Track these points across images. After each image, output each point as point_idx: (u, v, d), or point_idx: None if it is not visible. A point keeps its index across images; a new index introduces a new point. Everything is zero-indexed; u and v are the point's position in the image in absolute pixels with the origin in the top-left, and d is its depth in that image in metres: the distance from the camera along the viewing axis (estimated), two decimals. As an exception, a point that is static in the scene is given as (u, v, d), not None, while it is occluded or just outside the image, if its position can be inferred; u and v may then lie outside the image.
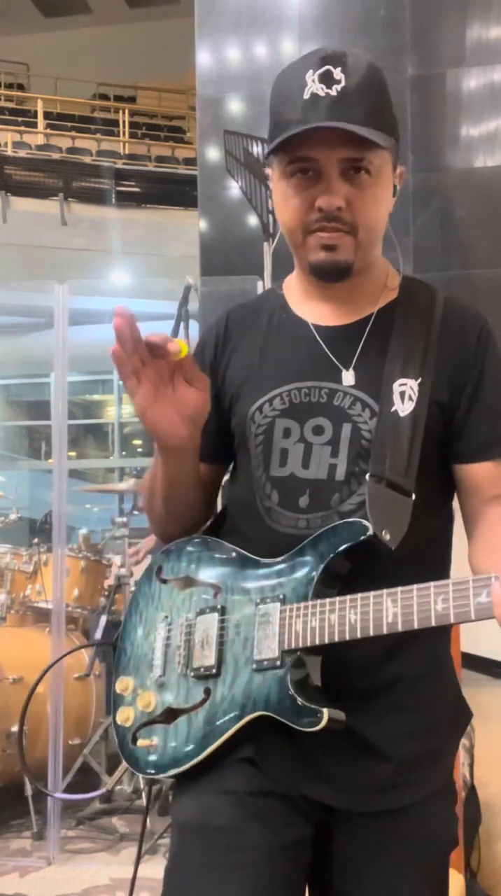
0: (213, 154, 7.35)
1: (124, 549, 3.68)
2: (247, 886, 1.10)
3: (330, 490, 1.19)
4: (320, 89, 1.12)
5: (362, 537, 1.12)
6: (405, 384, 1.19)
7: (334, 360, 1.23)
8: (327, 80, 1.12)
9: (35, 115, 13.56)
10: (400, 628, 1.03)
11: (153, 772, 1.20)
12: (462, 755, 2.59)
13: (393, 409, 1.19)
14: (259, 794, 1.15)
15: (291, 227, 1.20)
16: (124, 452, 13.60)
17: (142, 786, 3.21)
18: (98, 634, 3.41)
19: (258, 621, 1.16)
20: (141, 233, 10.30)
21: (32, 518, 6.52)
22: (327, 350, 1.24)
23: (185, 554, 1.28)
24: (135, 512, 3.96)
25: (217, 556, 1.26)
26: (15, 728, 3.22)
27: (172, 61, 13.35)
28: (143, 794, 3.18)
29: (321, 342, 1.24)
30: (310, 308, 1.28)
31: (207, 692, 1.17)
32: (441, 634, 1.25)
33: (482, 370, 1.22)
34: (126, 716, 1.25)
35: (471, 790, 2.72)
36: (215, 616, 1.20)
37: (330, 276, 1.21)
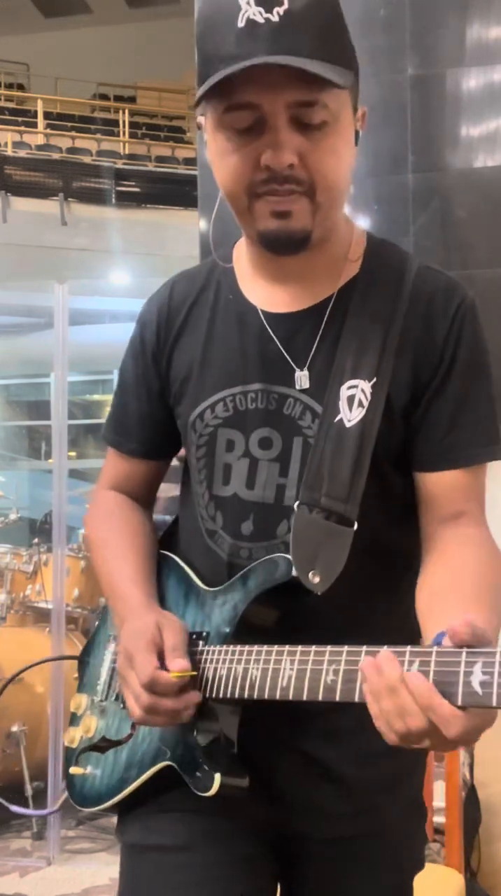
0: (213, 154, 7.33)
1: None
2: None
3: (277, 516, 1.03)
4: (258, 13, 0.87)
5: (285, 579, 0.97)
6: (355, 386, 0.99)
7: (286, 357, 1.03)
8: (266, 1, 0.87)
9: (35, 115, 13.55)
10: (290, 696, 0.89)
11: (80, 802, 1.14)
12: (462, 755, 2.59)
13: (338, 418, 0.99)
14: (205, 812, 1.03)
15: (232, 191, 0.97)
16: (124, 452, 13.56)
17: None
18: (98, 634, 3.39)
19: None
20: (141, 233, 10.29)
21: (32, 518, 6.51)
22: (279, 345, 1.04)
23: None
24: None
25: (170, 577, 1.14)
26: (15, 728, 3.22)
27: (172, 61, 13.35)
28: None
29: (272, 334, 1.04)
30: (261, 289, 1.07)
31: (133, 727, 1.09)
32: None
33: (452, 360, 1.01)
34: (71, 737, 1.19)
35: (471, 790, 2.71)
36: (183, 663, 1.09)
37: (283, 248, 0.99)
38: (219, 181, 0.99)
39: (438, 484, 1.02)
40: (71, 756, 1.17)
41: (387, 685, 0.78)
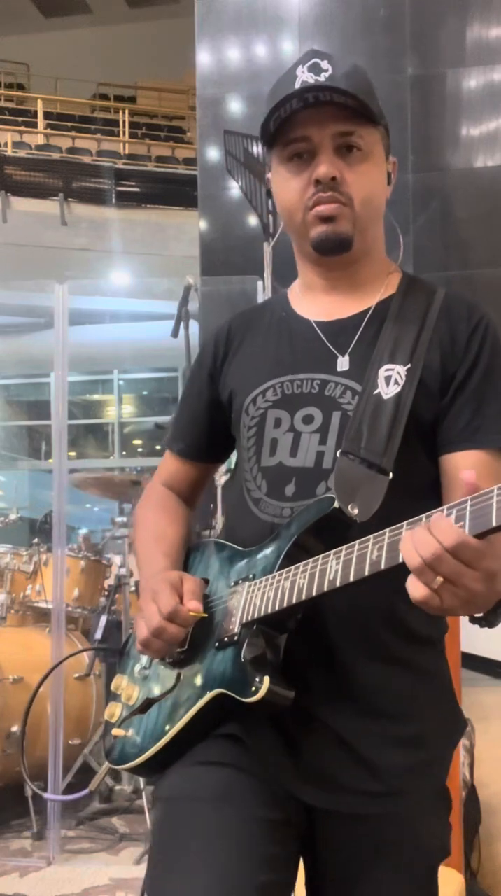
0: (213, 154, 7.35)
1: (124, 549, 3.68)
2: (230, 849, 1.07)
3: (317, 478, 1.18)
4: (310, 77, 1.17)
5: (327, 510, 1.10)
6: (392, 369, 1.19)
7: (330, 347, 1.23)
8: (315, 69, 1.18)
9: (35, 115, 13.56)
10: (338, 584, 1.00)
11: (123, 762, 1.20)
12: (462, 755, 2.59)
13: (376, 391, 1.18)
14: (243, 770, 1.13)
15: (291, 209, 1.23)
16: (124, 452, 13.61)
17: (142, 786, 3.21)
18: (98, 634, 3.40)
19: (227, 601, 1.18)
20: (141, 233, 10.30)
21: (32, 518, 6.52)
22: (325, 340, 1.25)
23: (191, 557, 1.34)
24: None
25: (211, 554, 1.29)
26: (15, 728, 3.22)
27: (172, 61, 13.35)
28: (144, 794, 3.18)
29: (320, 334, 1.25)
30: (312, 304, 1.29)
31: (178, 677, 1.18)
32: (431, 641, 1.22)
33: (474, 360, 1.20)
34: (112, 711, 1.26)
35: (471, 790, 2.72)
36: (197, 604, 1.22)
37: (331, 248, 1.22)
38: (281, 208, 1.26)
39: (462, 464, 1.16)
40: (108, 729, 1.26)
41: (418, 538, 0.91)
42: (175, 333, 3.35)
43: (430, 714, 1.19)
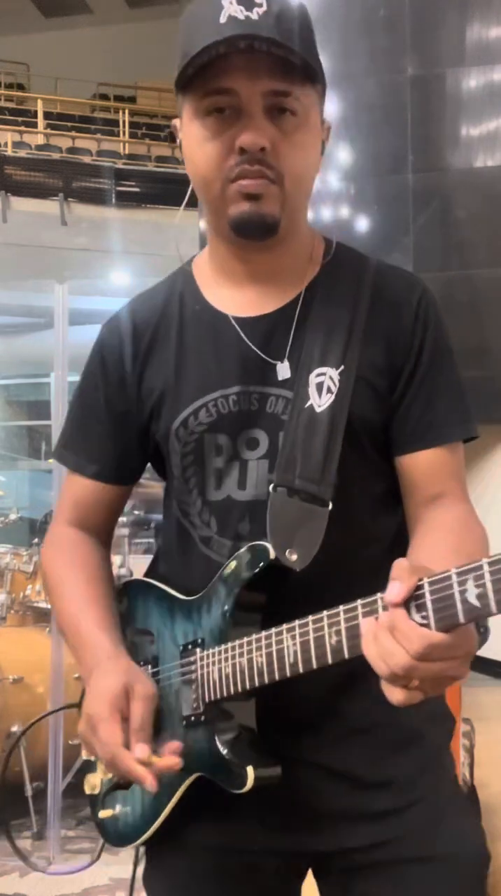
0: (213, 154, 7.32)
1: (124, 548, 3.68)
2: None
3: None
4: (239, 11, 0.94)
5: (261, 563, 0.98)
6: (323, 374, 1.03)
7: (263, 356, 1.05)
8: (247, 3, 0.94)
9: (35, 115, 13.56)
10: (300, 669, 0.90)
11: (118, 842, 1.13)
12: (462, 755, 2.59)
13: (308, 403, 1.02)
14: (230, 852, 1.07)
15: (206, 177, 1.01)
16: (124, 452, 13.57)
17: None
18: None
19: (181, 672, 1.05)
20: (141, 233, 10.30)
21: (32, 518, 6.51)
22: (254, 347, 1.06)
23: (127, 599, 1.19)
24: (136, 512, 3.96)
25: (150, 602, 1.15)
26: (15, 728, 3.22)
27: (172, 61, 13.28)
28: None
29: (244, 338, 1.06)
30: (227, 296, 1.09)
31: (154, 752, 1.04)
32: None
33: (420, 348, 1.05)
34: (92, 784, 1.16)
35: (471, 790, 2.71)
36: (148, 668, 1.11)
37: (253, 232, 1.01)
38: (193, 171, 1.03)
39: (418, 465, 1.05)
40: (95, 802, 1.15)
41: (383, 647, 0.80)
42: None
43: (417, 708, 1.11)
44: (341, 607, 0.86)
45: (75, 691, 3.48)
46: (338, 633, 0.86)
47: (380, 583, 1.01)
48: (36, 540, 3.94)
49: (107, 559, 1.22)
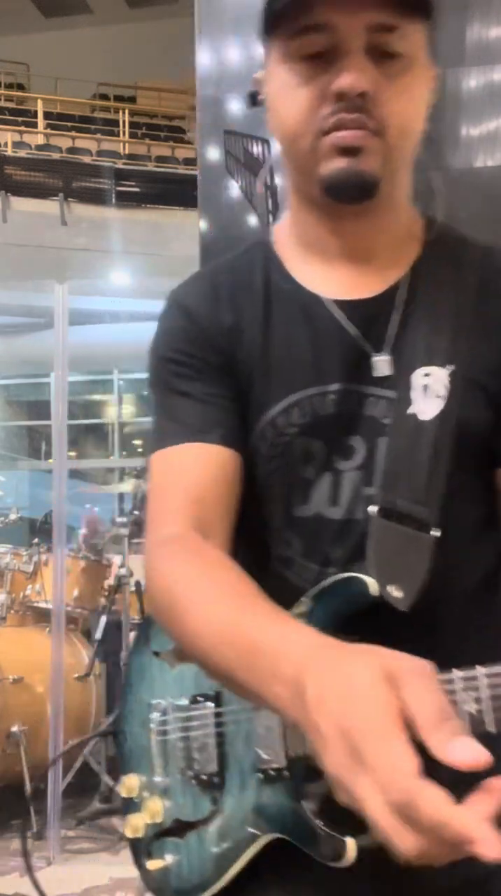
0: (213, 154, 7.35)
1: (124, 549, 3.68)
2: None
3: (366, 534, 0.87)
4: None
5: (361, 600, 0.83)
6: (429, 374, 0.87)
7: (366, 350, 0.89)
8: None
9: (35, 115, 13.56)
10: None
11: None
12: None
13: (412, 408, 0.86)
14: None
15: (295, 130, 0.85)
16: (124, 452, 13.60)
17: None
18: (98, 635, 3.41)
19: (257, 713, 0.87)
20: (141, 233, 10.30)
21: (32, 518, 6.52)
22: (358, 338, 0.89)
23: None
24: (135, 512, 3.95)
25: None
26: (15, 728, 3.22)
27: (172, 61, 13.33)
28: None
29: (345, 325, 0.90)
30: (319, 275, 0.93)
31: (215, 802, 0.91)
32: None
33: None
34: (135, 826, 0.96)
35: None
36: (210, 706, 0.91)
37: (349, 192, 0.85)
38: (277, 124, 0.88)
39: None
40: (137, 849, 0.97)
41: None
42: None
43: None
44: (481, 669, 0.68)
45: (75, 691, 3.50)
46: (478, 701, 0.67)
47: (489, 621, 0.91)
48: (36, 540, 3.94)
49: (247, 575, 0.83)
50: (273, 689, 0.64)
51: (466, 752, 0.50)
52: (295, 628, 0.68)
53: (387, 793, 0.51)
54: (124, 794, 0.98)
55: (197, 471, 0.88)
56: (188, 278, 0.99)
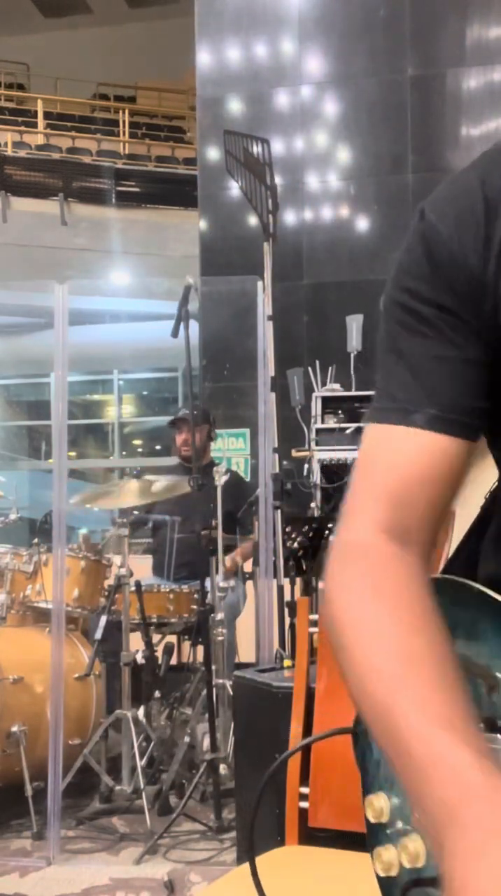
0: (213, 154, 7.37)
1: (124, 549, 3.68)
2: None
3: None
4: None
5: None
6: None
7: None
8: None
9: (35, 115, 13.56)
10: None
11: None
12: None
13: None
14: None
15: None
16: (124, 452, 13.61)
17: (141, 786, 3.21)
18: (98, 635, 3.40)
19: None
20: (141, 233, 10.30)
21: (32, 518, 6.52)
22: None
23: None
24: (135, 512, 3.95)
25: (485, 616, 0.69)
26: (15, 728, 3.22)
27: (172, 61, 13.37)
28: (143, 794, 3.17)
29: None
30: None
31: None
32: None
33: None
34: (388, 862, 0.72)
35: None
36: (494, 737, 0.68)
37: None
38: None
39: None
40: (387, 889, 0.74)
41: None
42: (175, 333, 3.35)
43: None
44: None
45: (75, 691, 3.49)
46: None
47: None
48: (36, 540, 3.93)
49: (431, 598, 0.69)
50: (421, 796, 0.57)
51: None
52: (458, 749, 0.56)
53: None
54: (371, 819, 0.75)
55: (405, 465, 0.72)
56: (460, 173, 0.78)
